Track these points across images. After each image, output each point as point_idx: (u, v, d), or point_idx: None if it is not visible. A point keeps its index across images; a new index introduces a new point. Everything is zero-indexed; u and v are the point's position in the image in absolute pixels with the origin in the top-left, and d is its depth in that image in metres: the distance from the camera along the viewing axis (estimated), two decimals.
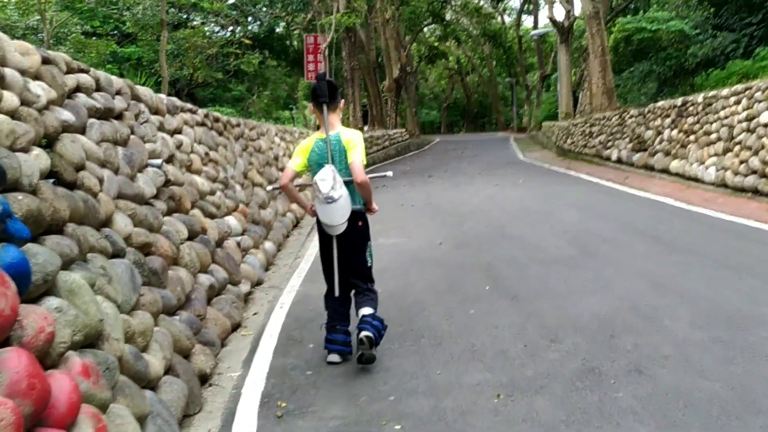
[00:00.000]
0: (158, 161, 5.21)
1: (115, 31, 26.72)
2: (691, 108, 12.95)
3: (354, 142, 4.37)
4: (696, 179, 12.21)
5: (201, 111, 7.29)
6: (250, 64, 29.51)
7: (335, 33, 21.69)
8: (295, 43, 33.60)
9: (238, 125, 9.05)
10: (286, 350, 4.92)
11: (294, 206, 10.41)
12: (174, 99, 6.32)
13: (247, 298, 6.34)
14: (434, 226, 9.73)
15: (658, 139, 14.51)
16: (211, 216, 6.18)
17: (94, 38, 19.83)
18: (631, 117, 16.41)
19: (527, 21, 53.49)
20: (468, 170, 19.49)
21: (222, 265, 5.86)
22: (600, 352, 4.33)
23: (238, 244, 6.63)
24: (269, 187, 10.13)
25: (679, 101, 13.65)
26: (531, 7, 45.52)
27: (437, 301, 5.85)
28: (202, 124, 7.27)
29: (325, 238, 4.53)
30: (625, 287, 5.80)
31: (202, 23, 26.25)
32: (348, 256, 4.50)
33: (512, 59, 53.33)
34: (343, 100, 4.72)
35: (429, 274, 6.84)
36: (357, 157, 4.30)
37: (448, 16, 42.25)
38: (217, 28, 27.57)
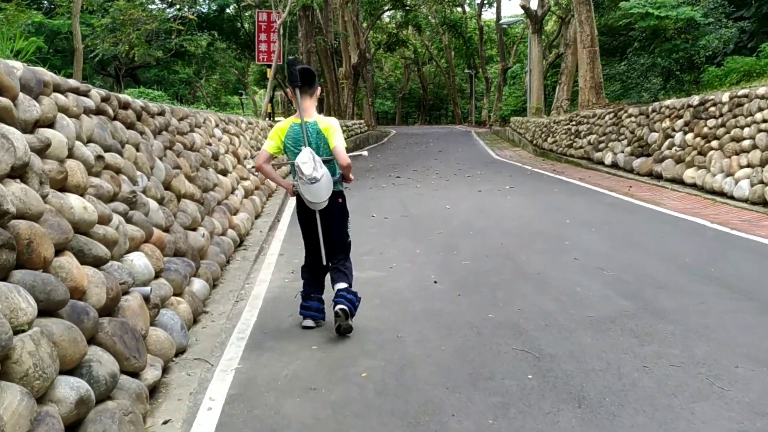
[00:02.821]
0: None
1: (45, 2, 24.29)
2: (712, 108, 11.01)
3: (333, 127, 4.59)
4: (721, 193, 10.29)
5: (97, 92, 4.87)
6: (197, 45, 26.86)
7: (291, 12, 19.21)
8: (246, 25, 31.00)
9: (161, 114, 6.60)
10: None
11: (238, 220, 8.05)
12: (41, 70, 3.91)
13: (156, 388, 4.03)
14: (420, 252, 7.52)
15: (666, 144, 12.55)
16: (98, 262, 3.81)
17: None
18: (630, 116, 14.42)
19: (487, 13, 51.86)
20: (440, 170, 17.28)
21: (110, 347, 3.53)
22: None
23: (147, 299, 4.28)
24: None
25: (695, 100, 11.69)
26: None
27: (458, 403, 3.67)
28: (99, 112, 4.88)
29: (306, 215, 4.79)
30: (748, 386, 3.75)
31: None
32: (331, 231, 4.77)
33: (472, 50, 51.45)
34: (319, 89, 4.85)
35: (432, 343, 4.63)
36: (339, 142, 4.53)
37: (408, 1, 39.96)
38: (163, 6, 25.05)
